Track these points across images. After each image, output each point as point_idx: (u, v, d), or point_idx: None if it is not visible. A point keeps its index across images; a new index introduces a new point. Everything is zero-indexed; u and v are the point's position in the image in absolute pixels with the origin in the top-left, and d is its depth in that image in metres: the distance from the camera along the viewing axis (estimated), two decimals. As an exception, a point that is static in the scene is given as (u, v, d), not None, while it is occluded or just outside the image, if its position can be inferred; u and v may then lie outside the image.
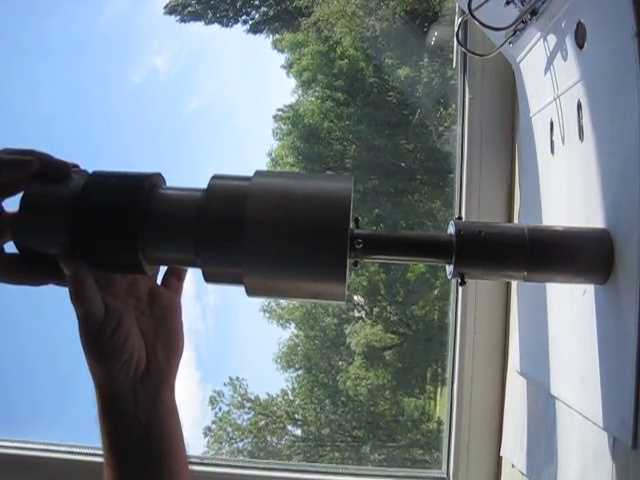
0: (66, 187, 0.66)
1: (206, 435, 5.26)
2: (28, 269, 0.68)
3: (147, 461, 0.72)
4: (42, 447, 1.45)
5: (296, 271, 0.66)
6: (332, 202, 0.66)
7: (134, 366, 0.71)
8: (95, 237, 0.66)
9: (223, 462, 1.46)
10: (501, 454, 1.28)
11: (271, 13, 6.23)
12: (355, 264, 0.72)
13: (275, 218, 0.65)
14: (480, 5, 0.98)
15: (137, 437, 0.71)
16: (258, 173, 0.69)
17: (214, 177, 0.69)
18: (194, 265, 0.68)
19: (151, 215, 0.66)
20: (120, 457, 0.72)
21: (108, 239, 0.66)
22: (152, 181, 0.68)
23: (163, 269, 0.78)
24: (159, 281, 0.78)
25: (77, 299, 0.67)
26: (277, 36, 6.32)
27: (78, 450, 1.44)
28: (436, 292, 5.22)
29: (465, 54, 1.31)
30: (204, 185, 0.68)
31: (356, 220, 0.71)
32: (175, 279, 0.78)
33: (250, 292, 0.68)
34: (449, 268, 0.74)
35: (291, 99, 6.19)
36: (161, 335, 0.75)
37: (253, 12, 6.21)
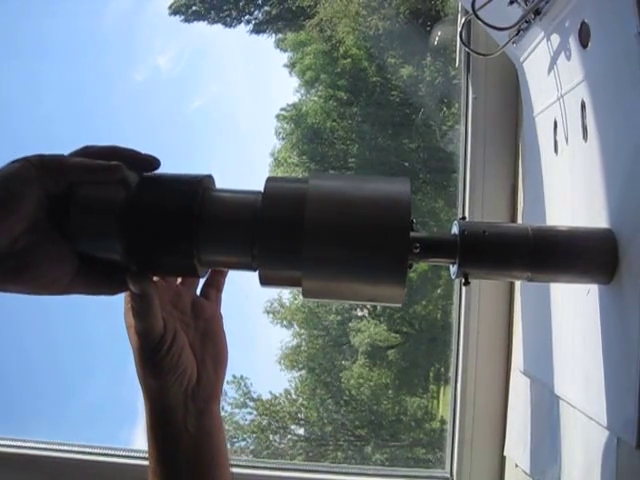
0: (117, 189, 0.66)
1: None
2: (100, 277, 0.67)
3: (195, 471, 0.73)
4: (43, 446, 1.45)
5: (356, 274, 0.66)
6: (392, 205, 0.66)
7: (187, 380, 0.71)
8: (149, 240, 0.66)
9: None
10: (505, 453, 1.28)
11: (274, 13, 6.23)
12: (410, 267, 0.71)
13: (335, 221, 0.65)
14: (484, 5, 0.98)
15: (186, 447, 0.72)
16: (315, 175, 0.69)
17: (269, 179, 0.68)
18: (249, 268, 0.68)
19: (207, 219, 0.66)
20: (168, 467, 0.73)
21: (163, 243, 0.66)
22: (205, 184, 0.68)
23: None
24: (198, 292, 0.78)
25: (141, 317, 0.67)
26: (280, 35, 6.32)
27: (79, 449, 1.44)
28: (439, 291, 5.21)
29: (468, 54, 1.31)
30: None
31: (411, 223, 0.70)
32: (214, 291, 0.78)
33: (307, 294, 0.68)
34: (453, 268, 0.75)
35: (294, 98, 6.18)
36: (208, 348, 0.75)
37: (256, 12, 6.20)
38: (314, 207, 0.65)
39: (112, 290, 0.68)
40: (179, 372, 0.70)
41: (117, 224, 0.65)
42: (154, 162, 0.68)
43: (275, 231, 0.65)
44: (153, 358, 0.69)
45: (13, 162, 0.61)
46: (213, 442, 0.74)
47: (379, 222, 0.65)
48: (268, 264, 0.67)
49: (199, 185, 0.67)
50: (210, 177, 0.70)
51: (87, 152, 0.66)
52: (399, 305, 0.69)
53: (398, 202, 0.66)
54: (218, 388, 0.76)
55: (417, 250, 0.70)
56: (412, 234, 0.69)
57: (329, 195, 0.66)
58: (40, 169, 0.60)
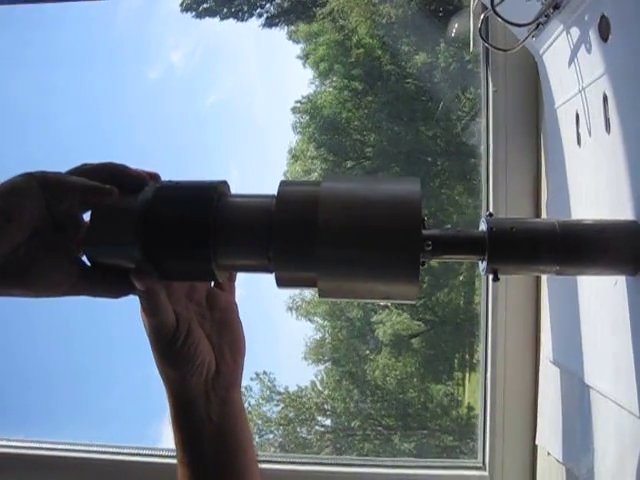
0: (135, 199, 0.68)
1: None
2: (104, 281, 0.70)
3: (220, 458, 0.75)
4: (71, 447, 1.48)
5: (369, 274, 0.68)
6: (403, 206, 0.67)
7: (206, 370, 0.74)
8: (167, 249, 0.68)
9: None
10: (536, 442, 1.28)
11: (285, 5, 6.23)
12: (423, 264, 0.73)
13: (348, 222, 0.66)
14: (502, 0, 0.98)
15: (210, 436, 0.74)
16: (327, 178, 0.70)
17: (282, 183, 0.70)
18: (266, 270, 0.70)
19: (223, 225, 0.68)
20: (194, 455, 0.75)
21: (181, 250, 0.68)
22: (220, 190, 0.70)
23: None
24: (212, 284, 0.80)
25: (151, 313, 0.69)
26: (292, 27, 6.31)
27: (96, 449, 1.46)
28: (461, 278, 5.21)
29: (487, 48, 1.31)
30: (230, 181, 0.71)
31: (423, 221, 0.71)
32: (227, 280, 0.80)
33: (323, 294, 0.69)
34: (482, 265, 0.76)
35: (309, 90, 6.19)
36: (225, 337, 0.77)
37: (267, 5, 6.21)
38: (327, 209, 0.66)
39: (115, 294, 0.71)
40: (197, 363, 0.72)
41: (135, 233, 0.67)
42: (144, 180, 0.70)
43: (289, 234, 0.67)
44: (169, 351, 0.71)
45: (17, 176, 0.65)
46: (237, 429, 0.77)
47: (390, 222, 0.66)
48: (284, 266, 0.68)
49: (214, 192, 0.69)
50: (225, 183, 0.72)
51: (83, 170, 0.69)
52: (413, 302, 0.71)
53: (409, 202, 0.67)
54: (238, 376, 0.78)
55: (429, 248, 0.71)
56: (424, 232, 0.70)
57: (341, 197, 0.68)
58: (42, 184, 0.64)
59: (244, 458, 0.77)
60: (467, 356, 5.36)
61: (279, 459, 1.48)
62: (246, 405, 5.46)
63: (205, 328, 0.76)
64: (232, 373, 0.77)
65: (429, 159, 5.36)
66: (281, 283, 0.70)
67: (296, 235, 0.67)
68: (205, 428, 0.74)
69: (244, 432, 0.78)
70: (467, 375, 5.30)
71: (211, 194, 0.68)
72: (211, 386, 0.74)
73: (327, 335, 5.97)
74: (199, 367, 0.73)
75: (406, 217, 0.66)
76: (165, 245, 0.68)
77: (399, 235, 0.66)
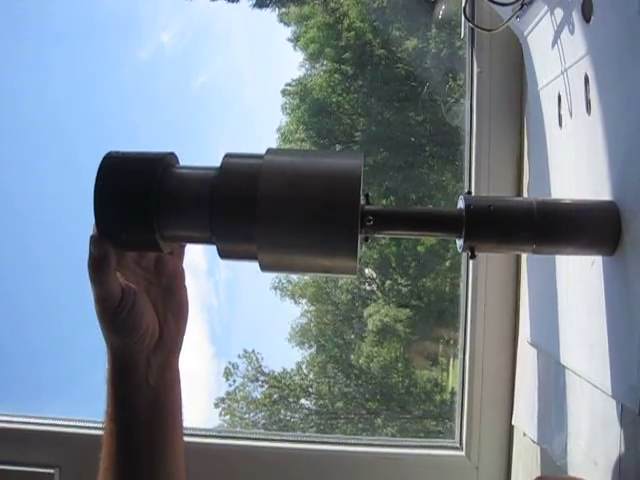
0: None
1: (217, 406, 5.32)
2: None
3: (153, 419, 0.76)
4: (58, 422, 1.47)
5: (308, 247, 0.68)
6: (342, 179, 0.67)
7: (149, 338, 0.74)
8: (112, 219, 0.69)
9: (238, 435, 1.48)
10: (513, 423, 1.29)
11: (277, -14, 6.17)
12: (366, 239, 0.74)
13: (287, 196, 0.67)
14: (487, -20, 0.98)
15: (147, 398, 0.75)
16: (270, 151, 0.70)
17: (227, 155, 0.71)
18: (209, 242, 0.70)
19: (166, 195, 0.68)
20: (127, 415, 0.76)
21: (125, 220, 0.69)
22: (165, 161, 0.70)
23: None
24: None
25: (97, 281, 0.69)
26: (283, 9, 6.27)
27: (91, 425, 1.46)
28: (447, 264, 5.22)
29: (473, 28, 1.30)
30: (217, 163, 0.70)
31: (366, 196, 0.72)
32: (177, 245, 0.80)
33: (264, 267, 0.70)
34: (459, 242, 0.76)
35: (299, 73, 6.16)
36: (170, 304, 0.78)
37: (258, -15, 6.15)
38: (267, 183, 0.67)
39: None
40: (141, 332, 0.73)
41: None
42: None
43: (230, 206, 0.68)
44: (114, 321, 0.72)
45: None
46: (171, 393, 0.78)
47: (329, 196, 0.67)
48: (225, 239, 0.69)
49: (158, 163, 0.69)
50: (172, 154, 0.72)
51: None
52: (354, 276, 0.72)
53: (348, 176, 0.67)
54: (179, 341, 0.79)
55: (370, 223, 0.71)
56: (367, 207, 0.71)
57: (282, 170, 0.68)
58: None
59: (174, 421, 0.78)
60: (452, 342, 5.38)
61: (263, 436, 1.49)
62: (230, 382, 5.48)
63: (151, 294, 0.76)
64: (173, 338, 0.78)
65: (418, 144, 5.35)
66: (223, 255, 0.70)
67: (236, 208, 0.67)
68: (143, 391, 0.75)
69: (177, 396, 0.79)
70: (451, 361, 5.32)
71: (155, 165, 0.69)
72: (152, 352, 0.75)
73: (312, 318, 5.98)
74: (142, 336, 0.73)
75: (345, 191, 0.66)
76: (111, 215, 0.69)
77: (337, 209, 0.66)
